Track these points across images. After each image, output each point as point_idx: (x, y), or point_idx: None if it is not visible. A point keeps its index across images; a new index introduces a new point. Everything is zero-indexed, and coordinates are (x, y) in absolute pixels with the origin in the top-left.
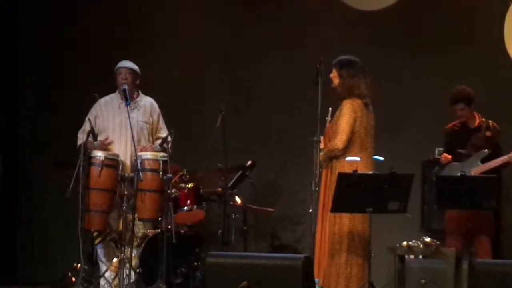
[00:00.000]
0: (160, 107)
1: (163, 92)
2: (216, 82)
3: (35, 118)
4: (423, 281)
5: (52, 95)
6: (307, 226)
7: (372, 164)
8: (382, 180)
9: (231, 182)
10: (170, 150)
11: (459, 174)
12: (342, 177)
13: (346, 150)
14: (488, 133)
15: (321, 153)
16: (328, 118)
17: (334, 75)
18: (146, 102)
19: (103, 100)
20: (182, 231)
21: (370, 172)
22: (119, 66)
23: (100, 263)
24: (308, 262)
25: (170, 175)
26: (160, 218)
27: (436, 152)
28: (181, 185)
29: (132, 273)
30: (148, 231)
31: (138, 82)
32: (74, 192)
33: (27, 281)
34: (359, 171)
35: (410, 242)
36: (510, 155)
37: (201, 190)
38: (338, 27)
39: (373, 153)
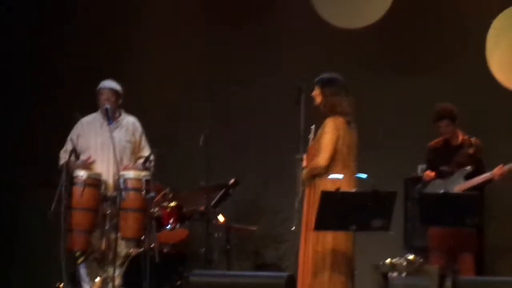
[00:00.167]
0: (142, 126)
1: (145, 111)
2: (198, 101)
3: (17, 137)
4: None
5: (34, 114)
6: (290, 244)
7: (355, 182)
8: (365, 197)
9: (214, 201)
10: (152, 169)
11: (442, 191)
12: (325, 195)
13: (329, 168)
14: (471, 150)
15: (304, 171)
16: (311, 136)
17: (316, 93)
18: (129, 121)
19: (85, 119)
20: (165, 250)
21: (353, 190)
22: (101, 86)
23: (83, 283)
24: (291, 281)
25: (153, 194)
26: (143, 237)
27: (419, 169)
28: (164, 204)
29: None
30: (131, 250)
31: (120, 101)
32: (56, 213)
33: None
34: (342, 189)
35: (393, 260)
36: (493, 172)
37: (184, 209)
38: (321, 46)
39: (356, 171)
